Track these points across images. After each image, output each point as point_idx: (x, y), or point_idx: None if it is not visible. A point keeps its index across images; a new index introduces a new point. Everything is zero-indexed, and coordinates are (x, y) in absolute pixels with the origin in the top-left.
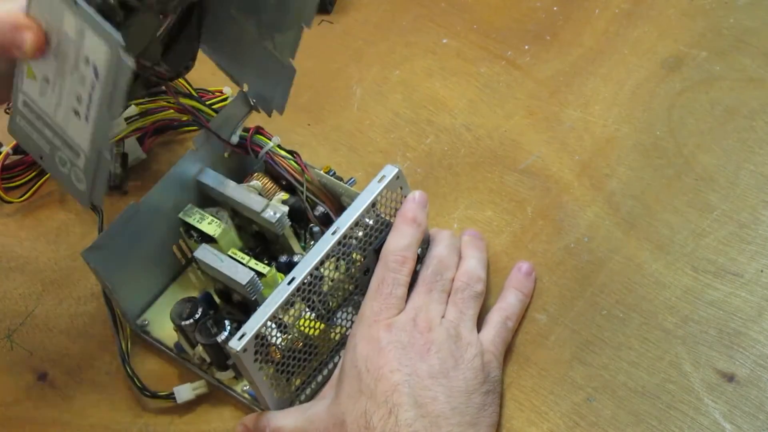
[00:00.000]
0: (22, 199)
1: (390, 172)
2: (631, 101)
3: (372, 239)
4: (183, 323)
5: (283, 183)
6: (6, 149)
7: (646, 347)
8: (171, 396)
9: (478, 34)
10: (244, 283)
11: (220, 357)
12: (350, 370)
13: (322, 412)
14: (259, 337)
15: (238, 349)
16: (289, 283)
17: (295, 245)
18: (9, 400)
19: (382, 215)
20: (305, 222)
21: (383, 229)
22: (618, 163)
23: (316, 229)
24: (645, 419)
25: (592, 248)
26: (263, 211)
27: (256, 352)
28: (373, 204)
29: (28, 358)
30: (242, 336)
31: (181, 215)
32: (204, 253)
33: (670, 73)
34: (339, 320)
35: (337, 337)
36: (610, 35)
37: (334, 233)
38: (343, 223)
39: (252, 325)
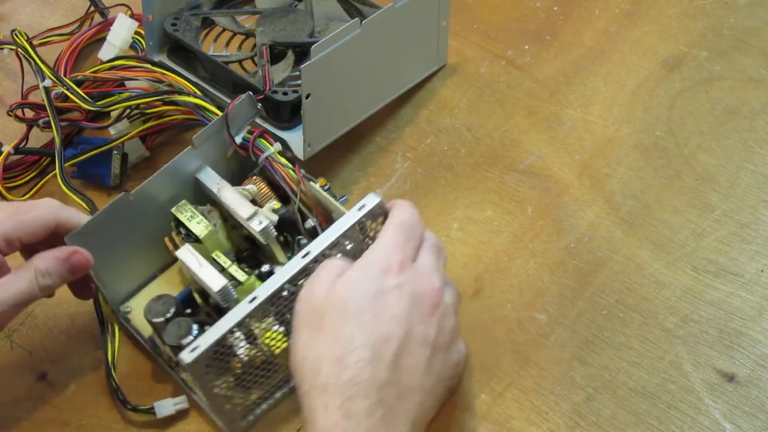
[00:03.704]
0: (23, 198)
1: (371, 201)
2: (631, 101)
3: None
4: (154, 320)
5: (279, 191)
6: (7, 149)
7: (646, 347)
8: (151, 410)
9: (478, 34)
10: (216, 290)
11: None
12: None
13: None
14: (214, 351)
15: (189, 361)
16: (251, 301)
17: (280, 255)
18: (9, 400)
19: (362, 237)
20: (297, 232)
21: (361, 252)
22: (618, 163)
23: (304, 241)
24: (645, 419)
25: (592, 248)
26: (250, 219)
27: (207, 366)
28: (353, 229)
29: (28, 358)
30: (194, 349)
31: (173, 210)
32: (185, 254)
33: (670, 73)
34: None
35: None
36: (610, 35)
37: (304, 257)
38: (316, 247)
39: (206, 340)
